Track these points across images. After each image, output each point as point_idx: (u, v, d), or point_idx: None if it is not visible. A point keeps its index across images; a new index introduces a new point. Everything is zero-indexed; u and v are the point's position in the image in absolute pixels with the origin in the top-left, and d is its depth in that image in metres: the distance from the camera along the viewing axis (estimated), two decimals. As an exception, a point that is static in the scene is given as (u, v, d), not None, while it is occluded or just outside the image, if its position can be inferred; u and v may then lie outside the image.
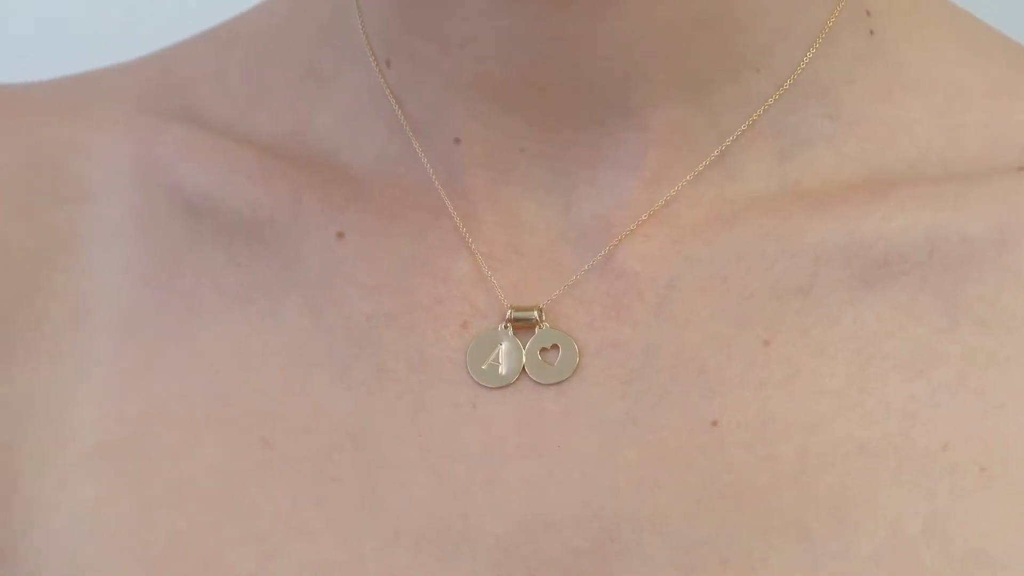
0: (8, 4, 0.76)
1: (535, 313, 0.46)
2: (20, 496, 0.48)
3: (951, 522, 0.43)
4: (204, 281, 0.49)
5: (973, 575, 0.42)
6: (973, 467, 0.44)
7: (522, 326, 0.46)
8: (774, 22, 0.46)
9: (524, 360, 0.46)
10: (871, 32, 0.48)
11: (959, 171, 0.47)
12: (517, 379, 0.46)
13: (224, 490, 0.47)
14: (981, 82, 0.49)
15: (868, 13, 0.48)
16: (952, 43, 0.49)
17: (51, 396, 0.49)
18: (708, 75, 0.46)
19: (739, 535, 0.43)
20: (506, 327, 0.46)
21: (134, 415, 0.48)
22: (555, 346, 0.46)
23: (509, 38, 0.45)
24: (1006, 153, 0.47)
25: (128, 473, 0.47)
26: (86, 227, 0.50)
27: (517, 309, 0.46)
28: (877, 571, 0.43)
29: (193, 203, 0.50)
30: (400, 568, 0.45)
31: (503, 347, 0.46)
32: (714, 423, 0.45)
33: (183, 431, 0.48)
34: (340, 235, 0.48)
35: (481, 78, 0.46)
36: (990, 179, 0.46)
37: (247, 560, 0.46)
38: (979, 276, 0.45)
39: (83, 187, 0.51)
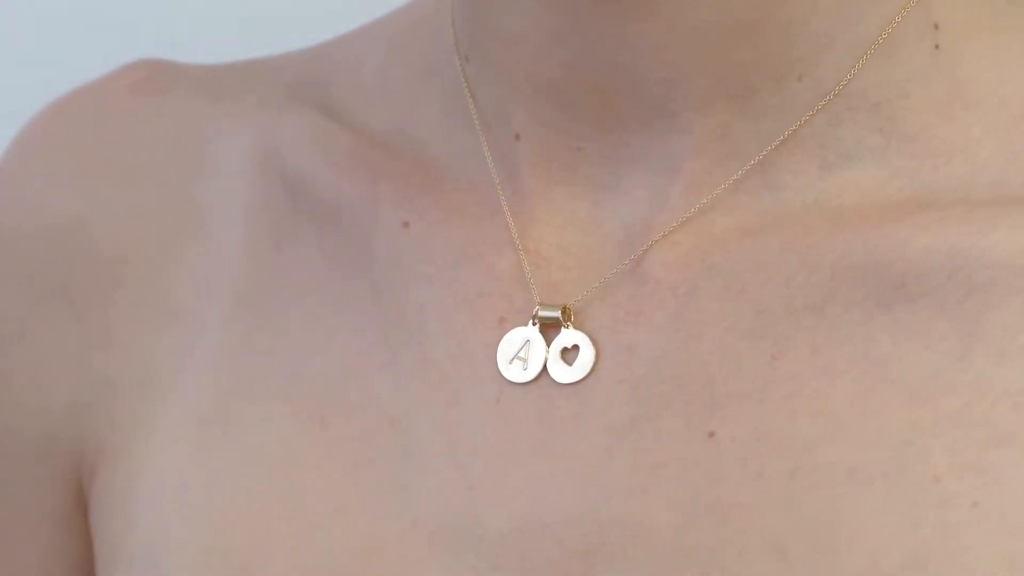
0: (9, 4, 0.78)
1: (559, 312, 0.47)
2: (129, 453, 0.53)
3: (935, 556, 0.42)
4: (297, 263, 0.52)
5: None
6: (966, 501, 0.42)
7: (549, 325, 0.48)
8: (817, 31, 0.45)
9: (546, 358, 0.47)
10: (936, 46, 0.47)
11: (1010, 195, 0.45)
12: (539, 377, 0.47)
13: (283, 465, 0.49)
14: None
15: (936, 27, 0.47)
16: None
17: (168, 361, 0.53)
18: (749, 81, 0.46)
19: (720, 550, 0.43)
20: (534, 324, 0.48)
21: (225, 387, 0.51)
22: (576, 346, 0.47)
23: (555, 37, 0.46)
24: None
25: (209, 441, 0.51)
26: (216, 203, 0.54)
27: (544, 307, 0.48)
28: None
29: (294, 186, 0.53)
30: (414, 556, 0.47)
31: (530, 344, 0.48)
32: (711, 434, 0.45)
33: (259, 406, 0.51)
34: (406, 224, 0.50)
35: (535, 76, 0.48)
36: None
37: (291, 534, 0.48)
38: (1000, 303, 0.43)
39: (216, 166, 0.54)
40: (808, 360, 0.45)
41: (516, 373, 0.47)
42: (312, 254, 0.52)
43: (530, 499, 0.46)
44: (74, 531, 0.56)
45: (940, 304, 0.44)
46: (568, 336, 0.47)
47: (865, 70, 0.46)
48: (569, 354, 0.47)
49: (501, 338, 0.48)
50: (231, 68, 0.58)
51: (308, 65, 0.57)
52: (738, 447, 0.44)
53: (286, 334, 0.51)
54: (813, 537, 0.43)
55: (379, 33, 0.56)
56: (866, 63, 0.46)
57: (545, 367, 0.47)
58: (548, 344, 0.47)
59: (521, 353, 0.47)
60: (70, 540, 0.57)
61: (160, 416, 0.52)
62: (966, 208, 0.45)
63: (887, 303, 0.44)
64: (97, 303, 0.54)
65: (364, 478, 0.48)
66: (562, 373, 0.47)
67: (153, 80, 0.56)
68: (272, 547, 0.48)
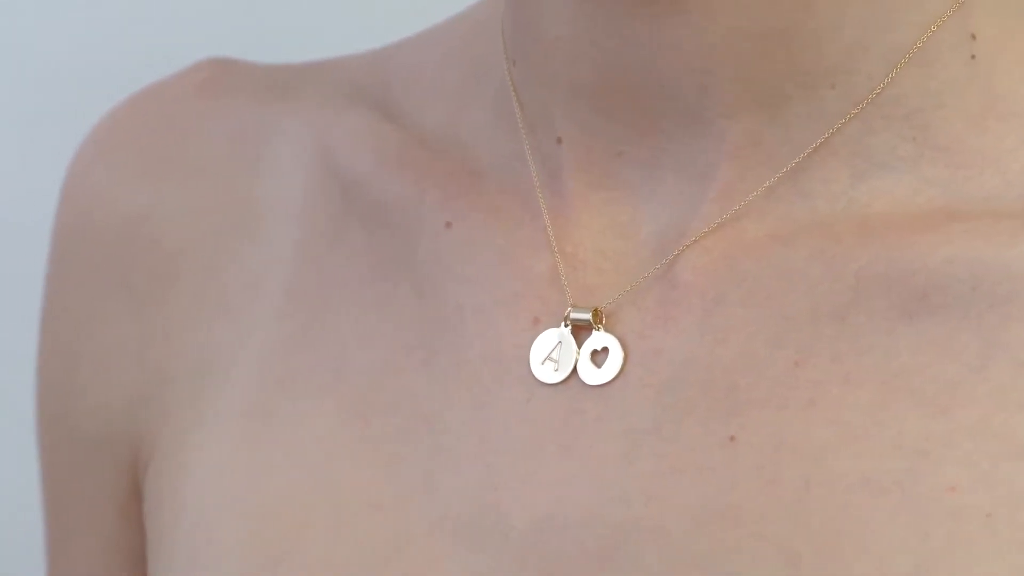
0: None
1: (591, 315, 0.48)
2: (180, 446, 0.54)
3: (943, 566, 0.42)
4: (347, 261, 0.53)
5: None
6: (978, 513, 0.42)
7: (581, 327, 0.48)
8: (850, 39, 0.46)
9: (577, 360, 0.48)
10: (972, 56, 0.46)
11: None
12: (568, 378, 0.48)
13: (323, 460, 0.50)
14: None
15: (973, 37, 0.46)
16: None
17: (221, 355, 0.54)
18: (782, 89, 0.46)
19: (732, 556, 0.44)
20: (566, 325, 0.48)
21: (272, 381, 0.53)
22: (605, 349, 0.48)
23: (591, 41, 0.47)
24: None
25: (254, 434, 0.52)
26: (273, 202, 0.55)
27: (576, 309, 0.48)
28: None
29: (347, 187, 0.54)
30: (440, 552, 0.47)
31: (562, 345, 0.48)
32: (731, 439, 0.45)
33: (303, 401, 0.52)
34: (448, 225, 0.51)
35: (575, 80, 0.48)
36: None
37: (326, 529, 0.49)
38: (1022, 315, 0.43)
39: (275, 165, 0.56)
40: (829, 368, 0.45)
41: (548, 374, 0.48)
42: (360, 253, 0.53)
43: (553, 499, 0.47)
44: (132, 523, 0.58)
45: (962, 315, 0.44)
46: (598, 338, 0.48)
47: (899, 79, 0.46)
48: (599, 356, 0.48)
49: (534, 339, 0.49)
50: (293, 68, 0.60)
51: (370, 67, 0.58)
52: (755, 453, 0.45)
53: (333, 331, 0.52)
54: (824, 544, 0.43)
55: (439, 37, 0.57)
56: (900, 72, 0.46)
57: (575, 368, 0.48)
58: (579, 346, 0.48)
59: (553, 354, 0.48)
60: (128, 531, 0.58)
61: (210, 409, 0.54)
62: (992, 220, 0.45)
63: (909, 313, 0.44)
64: (156, 297, 0.56)
65: (397, 474, 0.49)
66: (591, 375, 0.47)
67: (217, 80, 0.58)
68: (306, 540, 0.49)
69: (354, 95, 0.57)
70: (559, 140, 0.50)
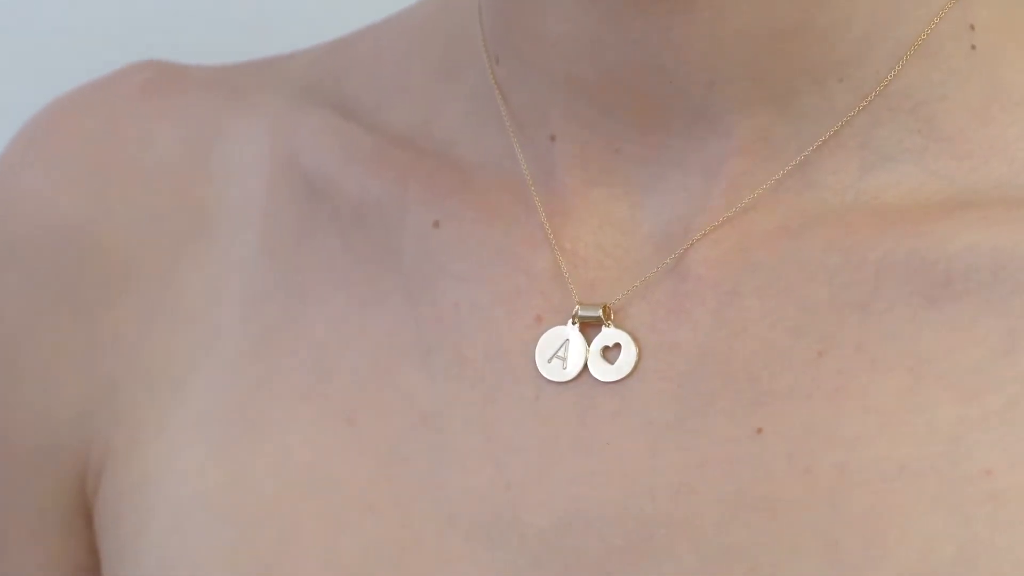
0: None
1: (600, 311, 0.47)
2: (139, 454, 0.52)
3: (985, 550, 0.42)
4: (319, 263, 0.52)
5: None
6: (1018, 495, 0.42)
7: (589, 323, 0.47)
8: (858, 33, 0.46)
9: (587, 357, 0.47)
10: (972, 47, 0.47)
11: None
12: (579, 375, 0.47)
13: (309, 464, 0.49)
14: None
15: (972, 27, 0.47)
16: None
17: (178, 363, 0.53)
18: (791, 84, 0.46)
19: (769, 546, 0.44)
20: (573, 323, 0.48)
21: (244, 386, 0.51)
22: (617, 345, 0.47)
23: (595, 39, 0.46)
24: None
25: (230, 440, 0.50)
26: (228, 204, 0.54)
27: (584, 306, 0.48)
28: None
29: (315, 187, 0.52)
30: (452, 553, 0.46)
31: (569, 343, 0.48)
32: (759, 431, 0.45)
33: (282, 405, 0.50)
34: (436, 224, 0.50)
35: (574, 77, 0.48)
36: None
37: (321, 533, 0.48)
38: None
39: (229, 167, 0.54)
40: (855, 356, 0.45)
41: (555, 372, 0.47)
42: (336, 254, 0.52)
43: (572, 496, 0.46)
44: (76, 537, 0.56)
45: (985, 301, 0.44)
46: (609, 335, 0.47)
47: (904, 72, 0.47)
48: (610, 353, 0.47)
49: (538, 337, 0.48)
50: (239, 68, 0.58)
51: (320, 63, 0.57)
52: (786, 443, 0.44)
53: (308, 334, 0.51)
54: (863, 532, 0.43)
55: (391, 31, 0.56)
56: (905, 65, 0.47)
57: (586, 366, 0.47)
58: (588, 343, 0.47)
59: (560, 352, 0.47)
60: (71, 546, 0.56)
61: (171, 416, 0.52)
62: (1005, 207, 0.45)
63: (933, 300, 0.45)
64: (105, 305, 0.54)
65: (396, 476, 0.48)
66: (604, 372, 0.47)
67: (162, 80, 0.56)
68: (301, 546, 0.48)
69: (308, 93, 0.55)
70: (553, 138, 0.49)
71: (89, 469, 0.54)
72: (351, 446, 0.49)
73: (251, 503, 0.49)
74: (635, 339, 0.47)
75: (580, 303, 0.48)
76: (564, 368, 0.47)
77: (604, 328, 0.47)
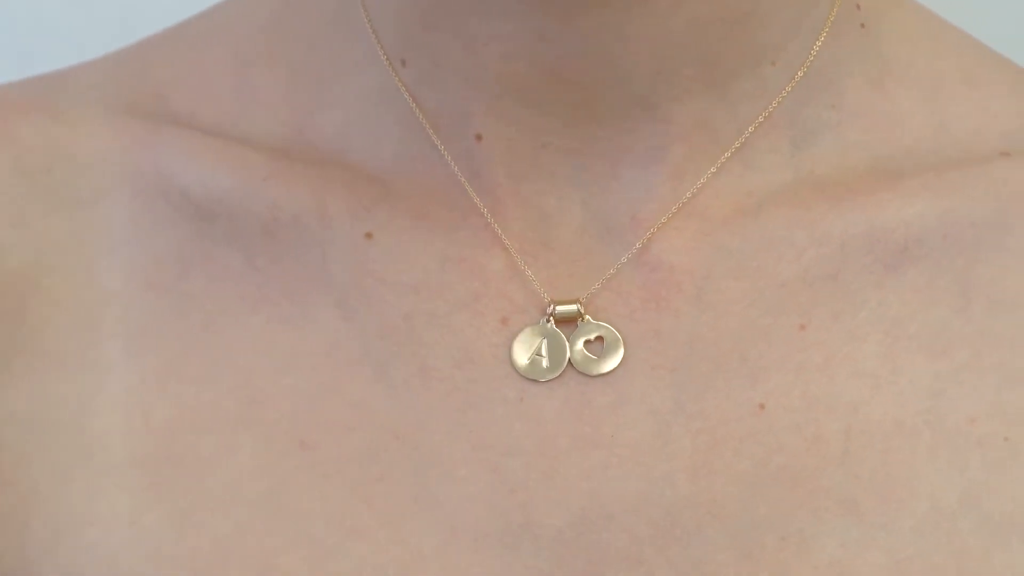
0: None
1: (576, 307, 0.47)
2: (41, 511, 0.47)
3: (984, 492, 0.46)
4: (220, 285, 0.49)
5: (1011, 541, 0.45)
6: (998, 438, 0.47)
7: (563, 319, 0.47)
8: (788, 16, 0.48)
9: (569, 353, 0.47)
10: (862, 25, 0.51)
11: (951, 158, 0.50)
12: (562, 372, 0.47)
13: (267, 493, 0.47)
14: (957, 74, 0.52)
15: (858, 7, 0.51)
16: (928, 37, 0.52)
17: (65, 406, 0.48)
18: (731, 69, 0.48)
19: (793, 514, 0.46)
20: (548, 321, 0.47)
21: (162, 423, 0.48)
22: (599, 338, 0.47)
23: (540, 36, 0.46)
24: (989, 140, 0.50)
25: (163, 481, 0.47)
26: (85, 234, 0.50)
27: (559, 303, 0.47)
28: (922, 543, 0.45)
29: (203, 207, 0.49)
30: (462, 564, 0.46)
31: (546, 341, 0.47)
32: (761, 406, 0.47)
33: (217, 436, 0.47)
34: (368, 235, 0.49)
35: (505, 75, 0.47)
36: (985, 165, 0.49)
37: (301, 562, 0.46)
38: (987, 259, 0.48)
39: (76, 193, 0.50)
40: (833, 327, 0.47)
41: (537, 371, 0.47)
42: (241, 274, 0.49)
43: (586, 492, 0.46)
44: None
45: (938, 264, 0.48)
46: (589, 328, 0.47)
47: (821, 51, 0.49)
48: (593, 346, 0.47)
49: (507, 339, 0.48)
50: (42, 82, 0.53)
51: (129, 75, 0.53)
52: (790, 415, 0.46)
53: (227, 359, 0.48)
54: (877, 490, 0.46)
55: (207, 36, 0.53)
56: (821, 45, 0.49)
57: (569, 362, 0.47)
58: (567, 339, 0.47)
59: (540, 351, 0.47)
60: None
61: (74, 466, 0.48)
62: (937, 173, 0.49)
63: (893, 266, 0.48)
64: None
65: (376, 496, 0.46)
66: (590, 366, 0.47)
67: None
68: None
69: (132, 110, 0.51)
70: (479, 137, 0.49)
71: None
72: (310, 470, 0.47)
73: (205, 543, 0.46)
74: (618, 331, 0.47)
75: (555, 300, 0.47)
76: (544, 366, 0.47)
77: (580, 323, 0.47)
